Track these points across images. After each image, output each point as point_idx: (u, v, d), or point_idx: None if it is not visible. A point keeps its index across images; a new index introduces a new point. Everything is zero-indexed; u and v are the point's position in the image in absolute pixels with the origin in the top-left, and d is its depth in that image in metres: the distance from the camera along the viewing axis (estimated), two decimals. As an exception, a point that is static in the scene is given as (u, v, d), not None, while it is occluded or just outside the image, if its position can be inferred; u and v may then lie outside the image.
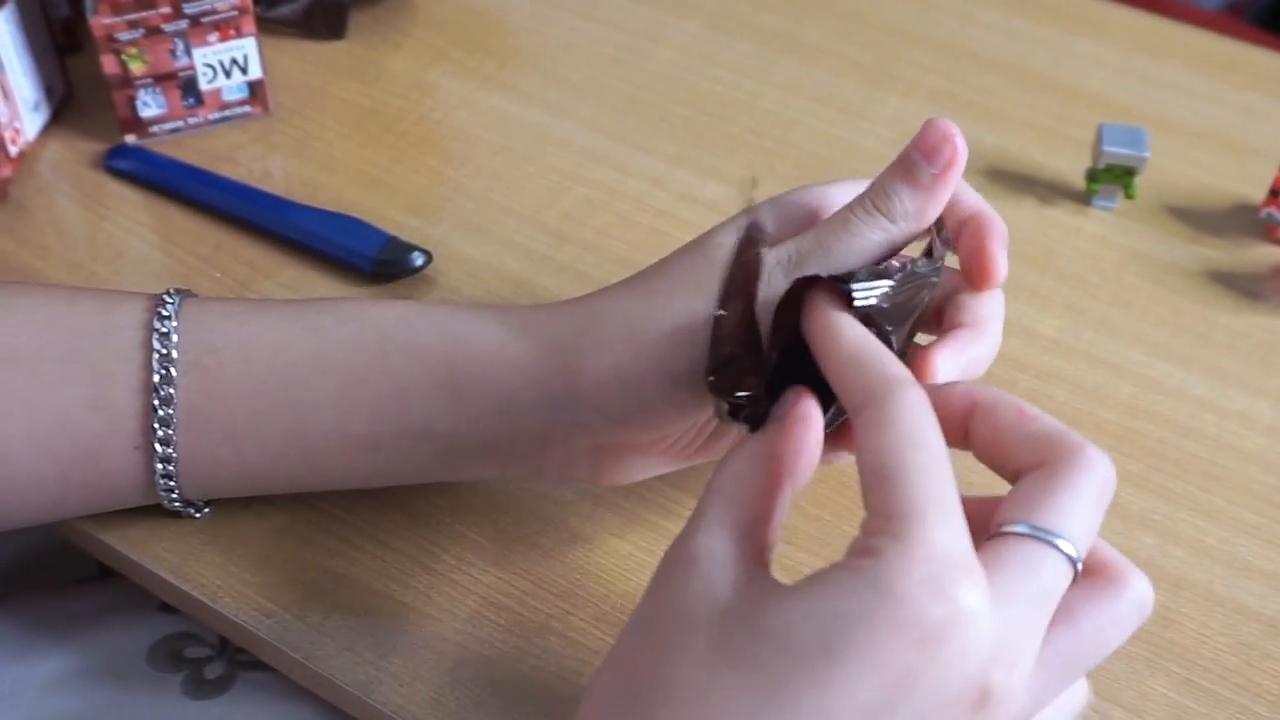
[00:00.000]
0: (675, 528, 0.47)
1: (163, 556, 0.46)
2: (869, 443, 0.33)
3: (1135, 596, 0.34)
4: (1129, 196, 0.61)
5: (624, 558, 0.47)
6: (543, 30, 0.71)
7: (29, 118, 0.61)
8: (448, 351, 0.42)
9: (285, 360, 0.42)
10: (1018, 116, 0.67)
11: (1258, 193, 0.63)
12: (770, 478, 0.35)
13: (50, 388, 0.42)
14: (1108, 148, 0.59)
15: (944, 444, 0.33)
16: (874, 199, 0.40)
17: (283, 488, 0.45)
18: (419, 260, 0.56)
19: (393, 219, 0.59)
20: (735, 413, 0.37)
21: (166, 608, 0.52)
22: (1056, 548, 0.32)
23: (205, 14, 0.59)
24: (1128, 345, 0.56)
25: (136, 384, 0.42)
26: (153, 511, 0.47)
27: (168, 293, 0.44)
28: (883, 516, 0.32)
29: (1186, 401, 0.54)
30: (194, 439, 0.43)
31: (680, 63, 0.69)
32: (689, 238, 0.59)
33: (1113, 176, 0.61)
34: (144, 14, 0.58)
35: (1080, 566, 0.33)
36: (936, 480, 0.32)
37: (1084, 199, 0.62)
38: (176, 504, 0.45)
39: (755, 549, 0.34)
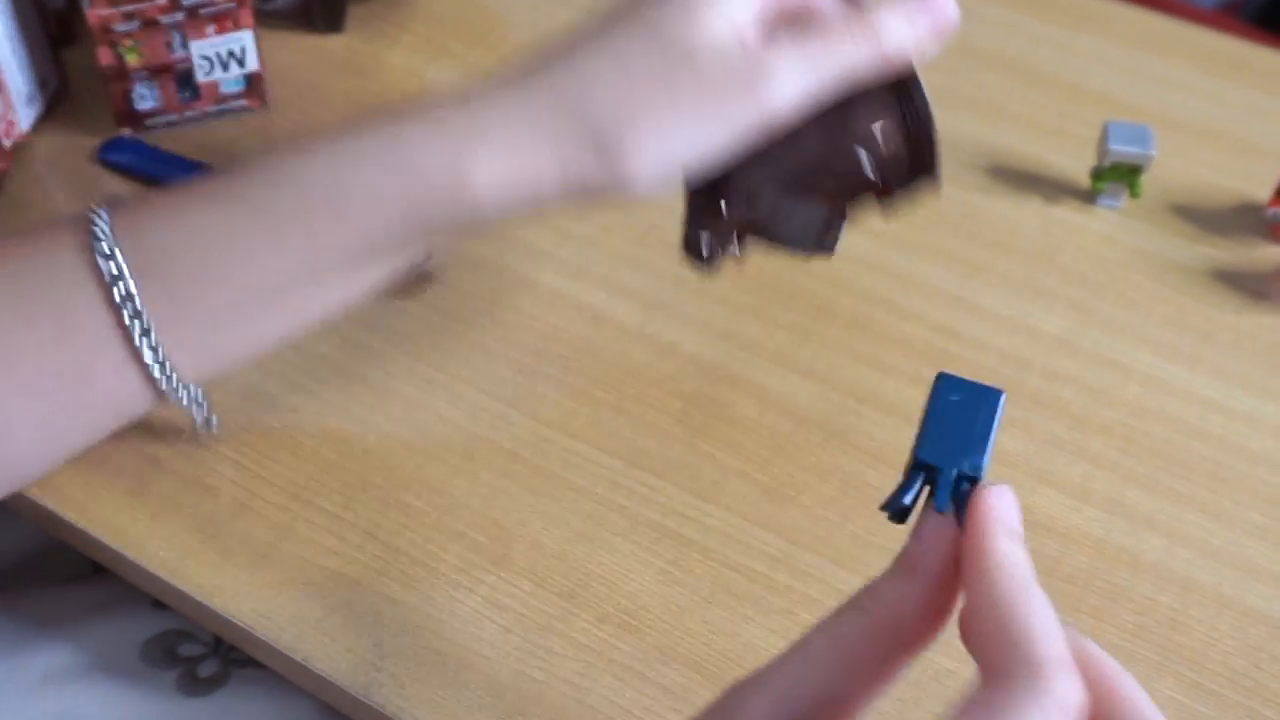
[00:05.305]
0: (678, 527, 0.47)
1: (158, 555, 0.45)
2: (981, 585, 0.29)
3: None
4: (1134, 195, 0.61)
5: (626, 557, 0.46)
6: (542, 25, 0.70)
7: (23, 110, 0.60)
8: (415, 195, 0.41)
9: (241, 247, 0.41)
10: (1022, 114, 0.67)
11: (1263, 192, 0.63)
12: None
13: (11, 332, 0.41)
14: (1114, 146, 0.59)
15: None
16: None
17: (287, 333, 0.44)
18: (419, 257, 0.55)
19: (392, 214, 0.58)
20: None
21: (160, 604, 0.51)
22: None
23: (203, 6, 0.59)
24: (1133, 345, 0.55)
25: (99, 305, 0.41)
26: (148, 510, 0.46)
27: (91, 210, 0.42)
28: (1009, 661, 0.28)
29: (1193, 402, 0.53)
30: (178, 334, 0.42)
31: (682, 58, 0.69)
32: (691, 234, 0.59)
33: (1118, 175, 0.60)
34: (140, 6, 0.57)
35: None
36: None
37: (1089, 197, 0.62)
38: (183, 398, 0.43)
39: None
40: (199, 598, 0.44)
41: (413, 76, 0.66)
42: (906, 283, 0.57)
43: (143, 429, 0.49)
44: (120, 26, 0.58)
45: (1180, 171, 0.64)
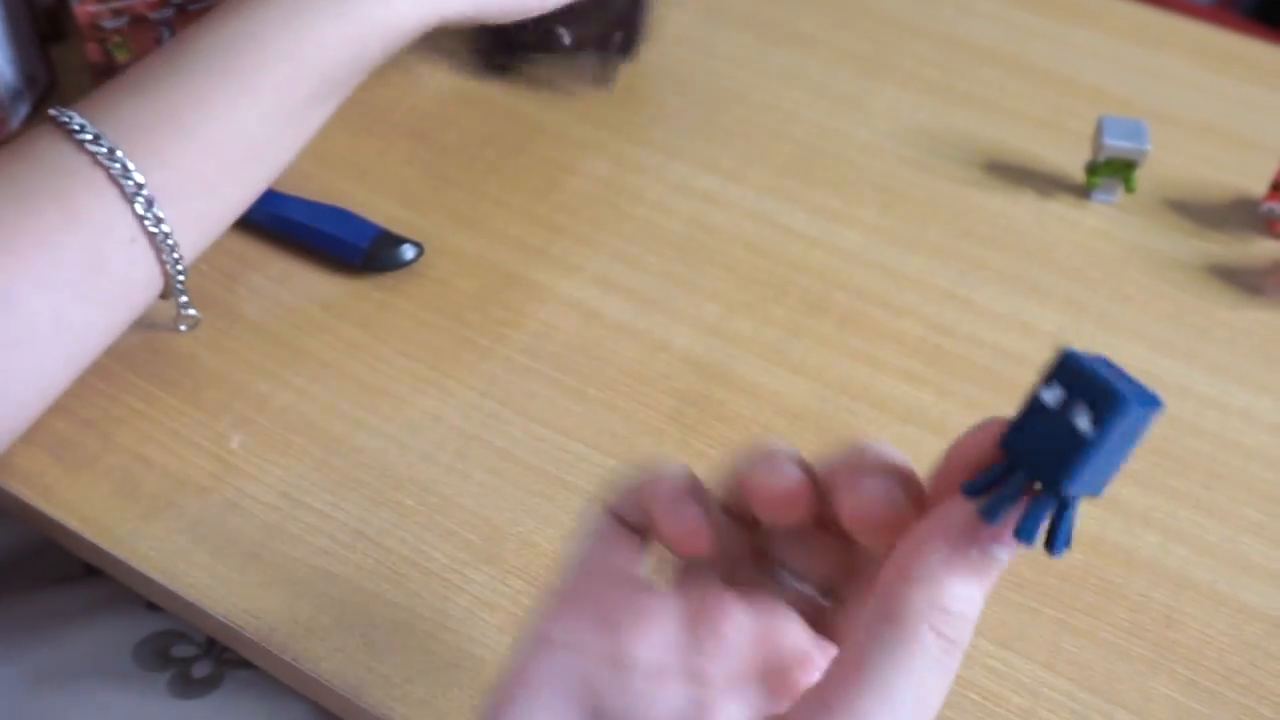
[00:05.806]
0: (671, 526, 0.46)
1: (149, 555, 0.45)
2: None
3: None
4: (1129, 190, 0.60)
5: (619, 556, 0.46)
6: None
7: (11, 107, 0.60)
8: (360, 36, 0.47)
9: (217, 107, 0.45)
10: (1016, 108, 0.66)
11: (1258, 186, 0.62)
12: None
13: (19, 226, 0.42)
14: (1108, 140, 0.59)
15: None
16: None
17: (263, 185, 0.49)
18: (410, 253, 0.55)
19: (383, 210, 0.58)
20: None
21: (153, 605, 0.51)
22: None
23: (192, 2, 0.58)
24: (1129, 340, 0.55)
25: (100, 185, 0.43)
26: (139, 510, 0.46)
27: (55, 112, 0.45)
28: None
29: (1189, 398, 0.53)
30: (176, 205, 0.44)
31: (675, 53, 0.68)
32: (684, 229, 0.59)
33: (1113, 170, 0.60)
34: (129, 2, 0.57)
35: None
36: None
37: (1083, 192, 0.62)
38: (180, 280, 0.46)
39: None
40: (189, 598, 0.44)
41: (405, 72, 0.66)
42: (900, 279, 0.57)
43: (135, 427, 0.49)
44: (109, 23, 0.57)
45: (1176, 166, 0.64)
